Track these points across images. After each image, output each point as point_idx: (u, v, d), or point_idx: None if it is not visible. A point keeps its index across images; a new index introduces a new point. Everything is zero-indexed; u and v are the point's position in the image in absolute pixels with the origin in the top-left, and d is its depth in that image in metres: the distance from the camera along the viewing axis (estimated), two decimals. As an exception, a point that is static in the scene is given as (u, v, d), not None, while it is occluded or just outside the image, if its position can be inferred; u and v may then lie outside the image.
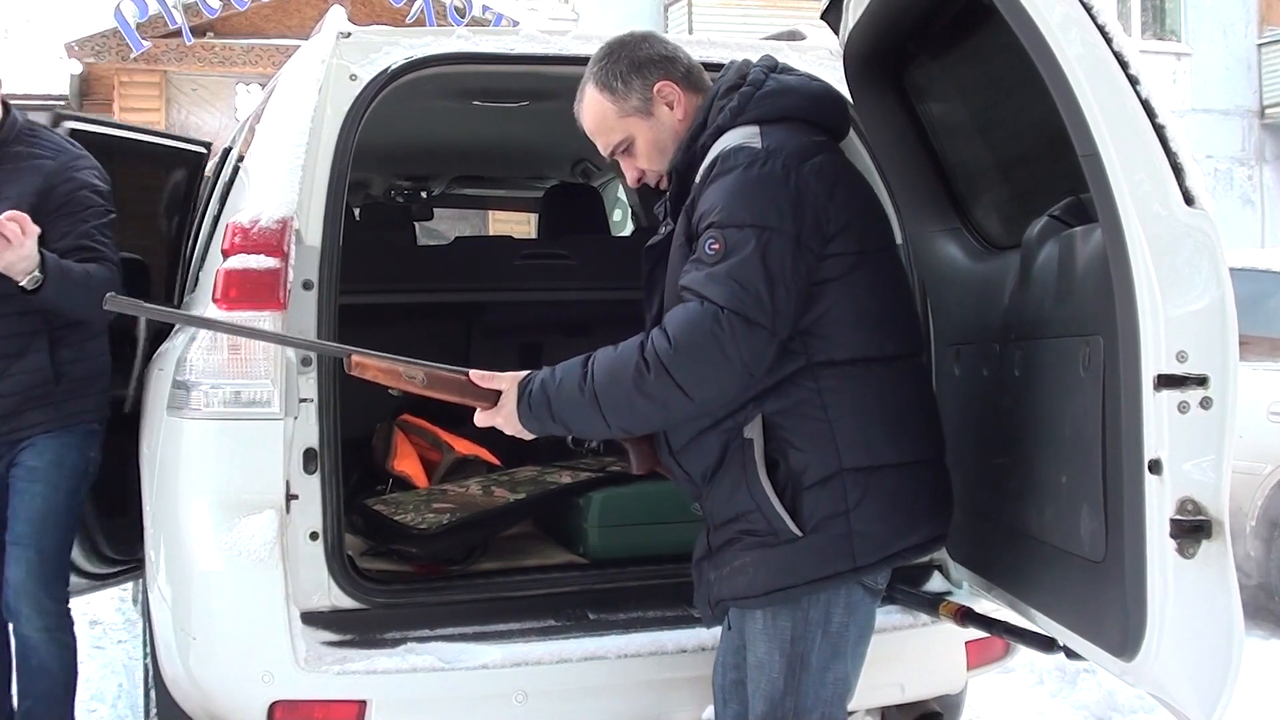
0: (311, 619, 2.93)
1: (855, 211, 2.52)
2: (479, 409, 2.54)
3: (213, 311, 2.93)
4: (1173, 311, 2.19)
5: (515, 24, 15.78)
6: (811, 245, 2.43)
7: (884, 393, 2.52)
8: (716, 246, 2.38)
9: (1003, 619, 2.93)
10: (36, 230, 3.21)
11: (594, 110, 2.66)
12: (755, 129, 2.49)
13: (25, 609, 3.47)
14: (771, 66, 2.64)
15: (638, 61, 2.63)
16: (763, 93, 2.56)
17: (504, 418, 2.52)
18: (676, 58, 2.66)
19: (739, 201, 2.40)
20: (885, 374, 2.53)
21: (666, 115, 2.63)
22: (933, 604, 3.10)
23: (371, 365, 2.52)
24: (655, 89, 2.62)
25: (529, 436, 2.54)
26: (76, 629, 3.61)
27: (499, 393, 2.52)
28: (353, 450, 3.43)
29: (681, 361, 2.35)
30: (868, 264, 2.52)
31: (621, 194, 6.67)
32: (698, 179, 2.50)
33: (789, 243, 2.40)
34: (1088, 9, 2.26)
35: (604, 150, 2.70)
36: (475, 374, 2.53)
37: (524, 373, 2.52)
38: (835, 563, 2.48)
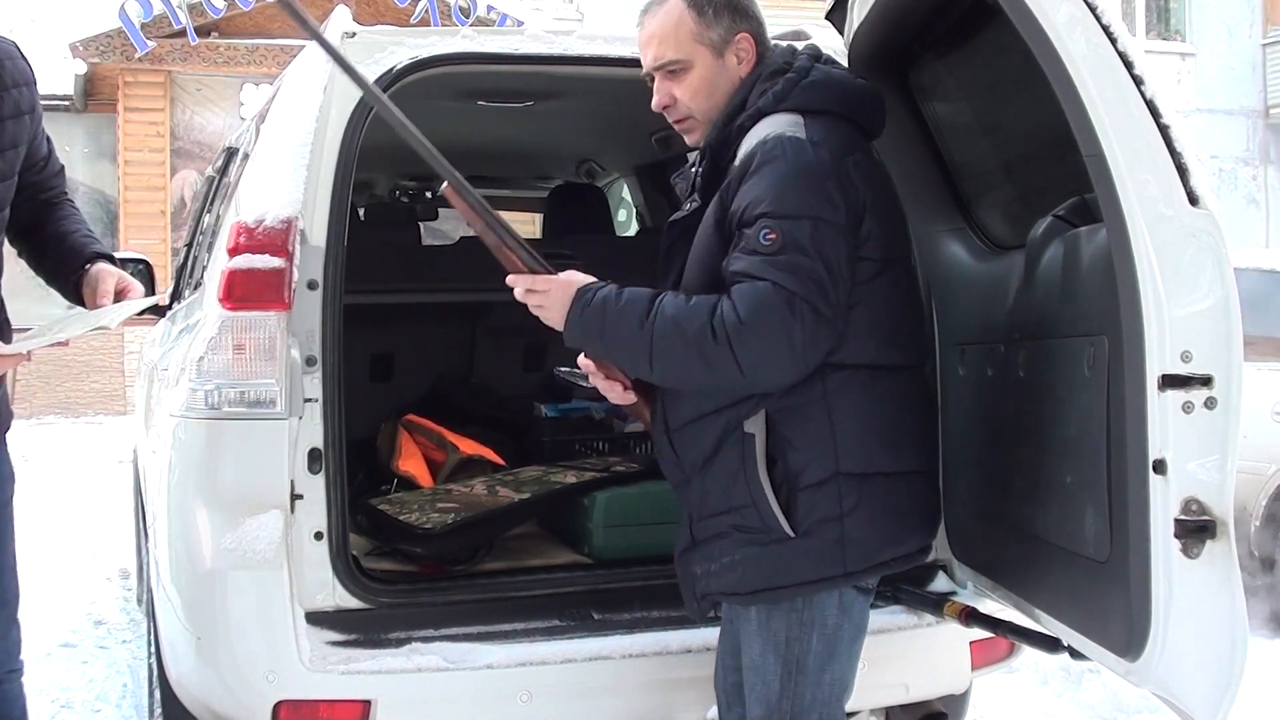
0: (316, 619, 2.93)
1: (883, 216, 2.53)
2: (521, 283, 2.50)
3: (217, 312, 2.93)
4: (1177, 311, 2.19)
5: (520, 24, 15.78)
6: (852, 241, 2.44)
7: (886, 401, 2.52)
8: (773, 236, 2.35)
9: (1007, 619, 2.93)
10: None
11: (672, 20, 2.59)
12: (799, 118, 2.47)
13: (18, 665, 2.85)
14: (817, 56, 2.63)
15: (735, 4, 2.60)
16: (808, 82, 2.54)
17: (549, 307, 2.49)
18: (764, 25, 2.65)
19: (792, 192, 2.38)
20: (889, 383, 2.53)
21: (733, 65, 2.60)
22: (937, 604, 3.10)
23: (459, 202, 2.51)
24: (738, 36, 2.59)
25: (558, 327, 2.50)
26: (81, 628, 3.59)
27: (553, 275, 2.49)
28: (357, 450, 3.43)
29: (747, 339, 2.33)
30: (889, 272, 2.53)
31: (626, 194, 6.67)
32: (736, 162, 2.47)
33: (841, 234, 2.40)
34: (1092, 9, 2.26)
35: (652, 61, 2.62)
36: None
37: (588, 277, 2.49)
38: (826, 567, 2.48)
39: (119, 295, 2.72)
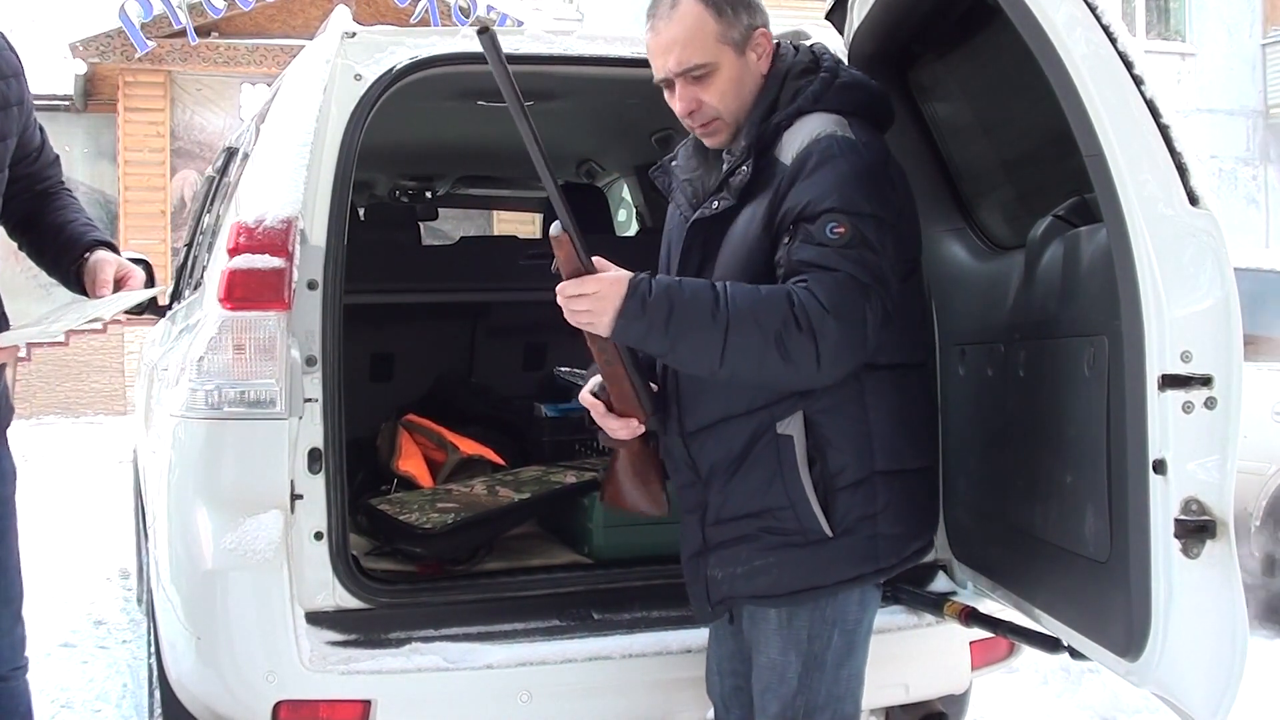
0: (316, 619, 2.93)
1: (911, 218, 2.55)
2: (570, 288, 2.36)
3: (217, 312, 2.93)
4: (1177, 311, 2.19)
5: (520, 24, 15.79)
6: (898, 242, 2.45)
7: (912, 398, 2.55)
8: (841, 230, 2.34)
9: (1007, 619, 2.93)
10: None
11: (692, 23, 2.49)
12: (842, 119, 2.47)
13: (23, 661, 2.83)
14: (834, 54, 2.64)
15: (750, 0, 2.56)
16: (841, 82, 2.54)
17: (598, 309, 2.33)
18: (768, 19, 2.61)
19: (856, 190, 2.38)
20: (913, 380, 2.57)
21: (754, 62, 2.55)
22: (937, 604, 3.10)
23: (569, 251, 2.36)
24: (756, 32, 2.55)
25: (602, 332, 2.35)
26: (81, 628, 3.58)
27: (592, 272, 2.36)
28: (357, 450, 3.44)
29: (830, 329, 2.29)
30: (916, 272, 2.57)
31: (626, 194, 6.67)
32: (788, 162, 2.44)
33: (895, 235, 2.42)
34: (1092, 9, 2.26)
35: (675, 67, 2.52)
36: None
37: (624, 271, 2.37)
38: (862, 564, 2.50)
39: (119, 284, 2.69)
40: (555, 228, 2.35)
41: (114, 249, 2.80)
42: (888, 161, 2.50)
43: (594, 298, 2.35)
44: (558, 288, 2.38)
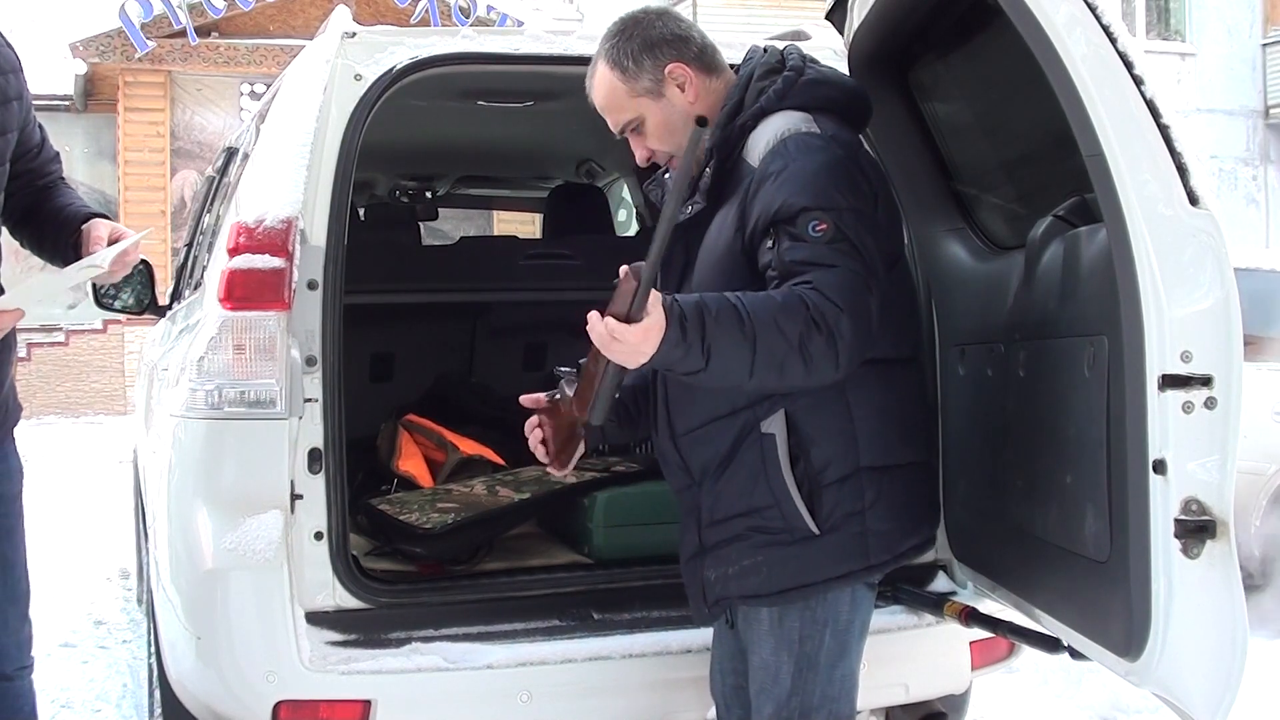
0: (316, 619, 2.93)
1: (890, 210, 2.55)
2: (617, 331, 2.17)
3: (217, 312, 2.93)
4: (1177, 311, 2.19)
5: (520, 24, 15.81)
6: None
7: (900, 394, 2.55)
8: (823, 227, 2.33)
9: (1007, 619, 2.94)
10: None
11: (605, 89, 2.60)
12: (808, 116, 2.47)
13: (29, 661, 2.87)
14: (803, 54, 2.64)
15: (650, 41, 2.56)
16: (807, 80, 2.54)
17: (639, 349, 2.19)
18: (689, 37, 2.60)
19: (829, 185, 2.38)
20: (901, 375, 2.56)
21: (678, 97, 2.56)
22: (937, 604, 3.10)
23: (631, 286, 2.18)
24: (667, 70, 2.55)
25: (637, 364, 2.23)
26: (81, 628, 3.58)
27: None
28: (357, 450, 3.44)
29: (846, 328, 2.28)
30: (898, 265, 2.55)
31: (626, 194, 6.67)
32: (755, 163, 2.45)
33: (874, 226, 2.42)
34: (1092, 9, 2.26)
35: (614, 128, 2.63)
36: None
37: (663, 312, 2.21)
38: (850, 561, 2.49)
39: (113, 243, 2.68)
40: (630, 271, 2.18)
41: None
42: (858, 153, 2.50)
43: (634, 343, 2.20)
44: (595, 318, 2.21)
